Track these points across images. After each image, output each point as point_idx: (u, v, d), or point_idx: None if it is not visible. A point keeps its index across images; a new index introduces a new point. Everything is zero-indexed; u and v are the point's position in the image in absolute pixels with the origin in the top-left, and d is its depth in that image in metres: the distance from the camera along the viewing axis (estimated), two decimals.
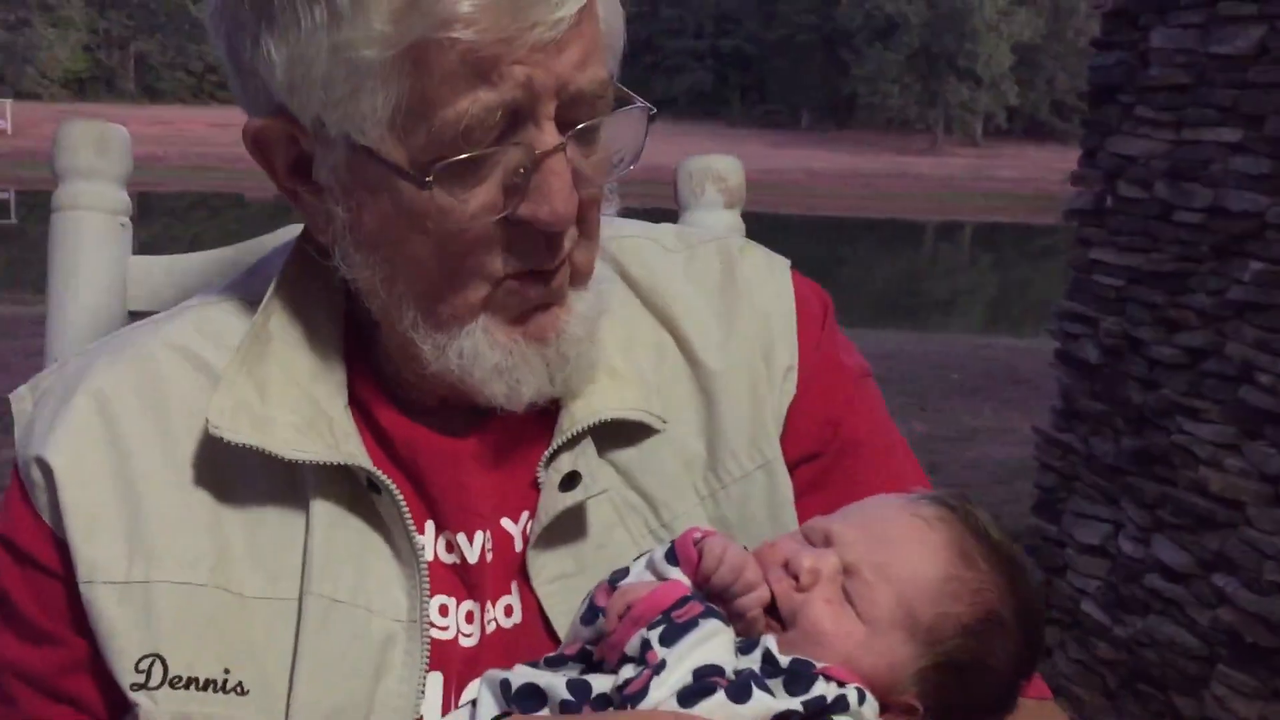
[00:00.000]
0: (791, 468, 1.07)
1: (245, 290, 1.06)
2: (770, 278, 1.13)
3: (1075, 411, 4.11)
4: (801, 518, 1.05)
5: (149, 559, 0.94)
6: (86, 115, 1.38)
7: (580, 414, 1.01)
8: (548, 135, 0.89)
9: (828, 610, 0.95)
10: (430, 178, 0.88)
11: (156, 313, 1.11)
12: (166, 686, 0.92)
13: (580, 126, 0.91)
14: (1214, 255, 3.51)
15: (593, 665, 0.94)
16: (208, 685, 0.93)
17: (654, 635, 0.88)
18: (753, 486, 1.05)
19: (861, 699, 0.91)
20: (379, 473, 0.96)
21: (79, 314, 1.25)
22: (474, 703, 0.94)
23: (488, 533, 1.01)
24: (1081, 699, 4.01)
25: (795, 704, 0.88)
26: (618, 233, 1.11)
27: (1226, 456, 3.43)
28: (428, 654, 0.96)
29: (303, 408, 0.98)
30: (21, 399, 1.03)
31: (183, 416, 0.98)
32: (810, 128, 68.66)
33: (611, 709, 0.88)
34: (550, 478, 1.00)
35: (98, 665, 0.94)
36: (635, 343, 1.07)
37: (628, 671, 0.88)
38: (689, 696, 0.86)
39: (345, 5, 0.84)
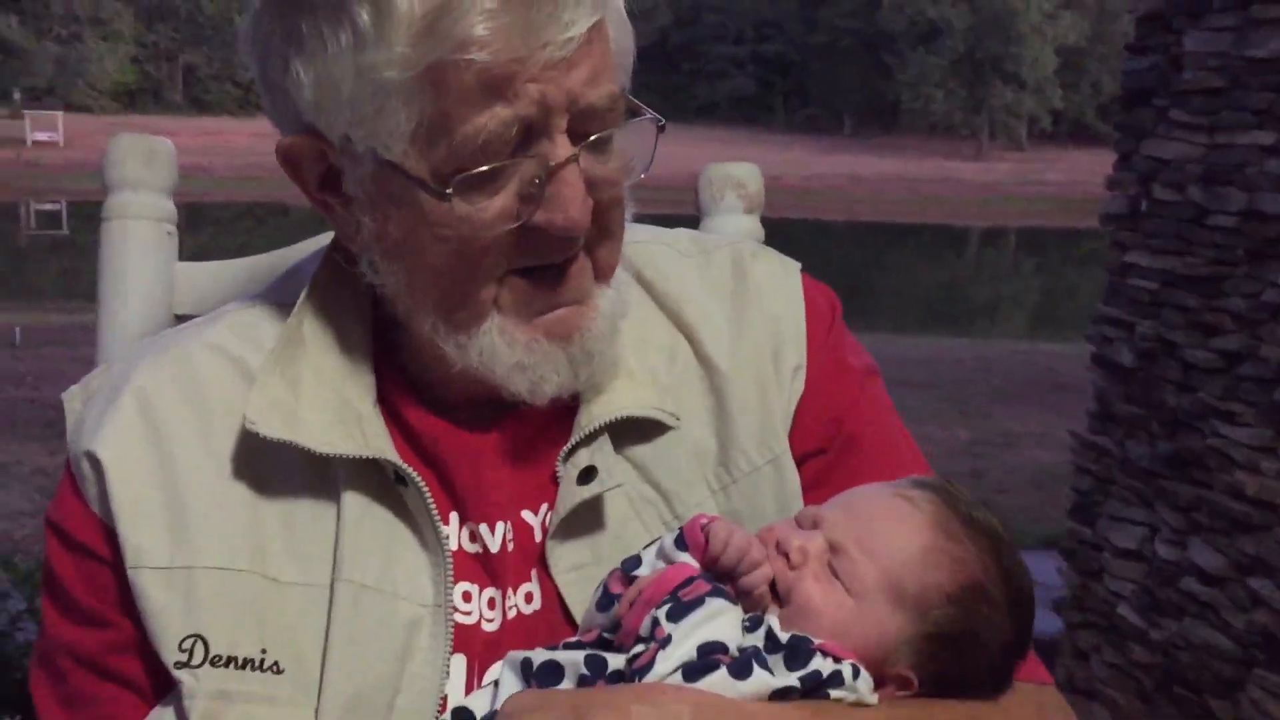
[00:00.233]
0: (799, 462, 1.12)
1: (280, 295, 1.12)
2: (781, 281, 1.18)
3: (1111, 415, 4.11)
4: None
5: (191, 546, 1.00)
6: (135, 127, 1.46)
7: (597, 412, 1.07)
8: (560, 147, 0.95)
9: (816, 587, 0.99)
10: (450, 189, 0.93)
11: (200, 315, 1.18)
12: (208, 665, 0.98)
13: (592, 138, 0.97)
14: (1249, 258, 3.51)
15: (610, 647, 0.99)
16: (246, 664, 0.98)
17: (662, 613, 0.93)
18: (762, 481, 1.10)
19: (856, 674, 0.95)
20: (406, 466, 1.02)
21: (128, 317, 1.32)
22: (496, 683, 0.99)
23: (509, 523, 1.07)
24: (1117, 702, 4.01)
25: (793, 680, 0.92)
26: (633, 237, 1.16)
27: (1262, 459, 3.43)
28: (451, 637, 1.01)
29: (333, 405, 1.04)
30: (73, 398, 1.10)
31: (222, 413, 1.04)
32: (853, 133, 68.37)
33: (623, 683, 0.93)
34: (569, 472, 1.05)
35: (143, 645, 1.00)
36: (649, 343, 1.12)
37: (638, 648, 0.93)
38: (693, 672, 0.90)
39: (368, 30, 0.89)
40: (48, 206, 30.82)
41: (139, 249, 1.33)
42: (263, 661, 0.99)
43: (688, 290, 1.15)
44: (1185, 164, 3.76)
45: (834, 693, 0.94)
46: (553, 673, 0.95)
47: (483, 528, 1.06)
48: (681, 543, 1.00)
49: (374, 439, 1.03)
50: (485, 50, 0.89)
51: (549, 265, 1.00)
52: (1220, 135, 3.62)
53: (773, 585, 1.00)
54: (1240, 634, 3.48)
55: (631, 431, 1.08)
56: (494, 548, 1.06)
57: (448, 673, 1.01)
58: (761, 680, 0.91)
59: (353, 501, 1.02)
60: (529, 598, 1.06)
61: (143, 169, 1.34)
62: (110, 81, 54.59)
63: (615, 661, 0.95)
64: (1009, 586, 1.02)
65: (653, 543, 1.03)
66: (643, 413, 1.08)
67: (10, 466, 7.38)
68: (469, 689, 1.02)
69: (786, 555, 1.00)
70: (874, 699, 0.97)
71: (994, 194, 43.07)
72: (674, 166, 1.48)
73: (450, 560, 1.03)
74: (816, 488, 1.12)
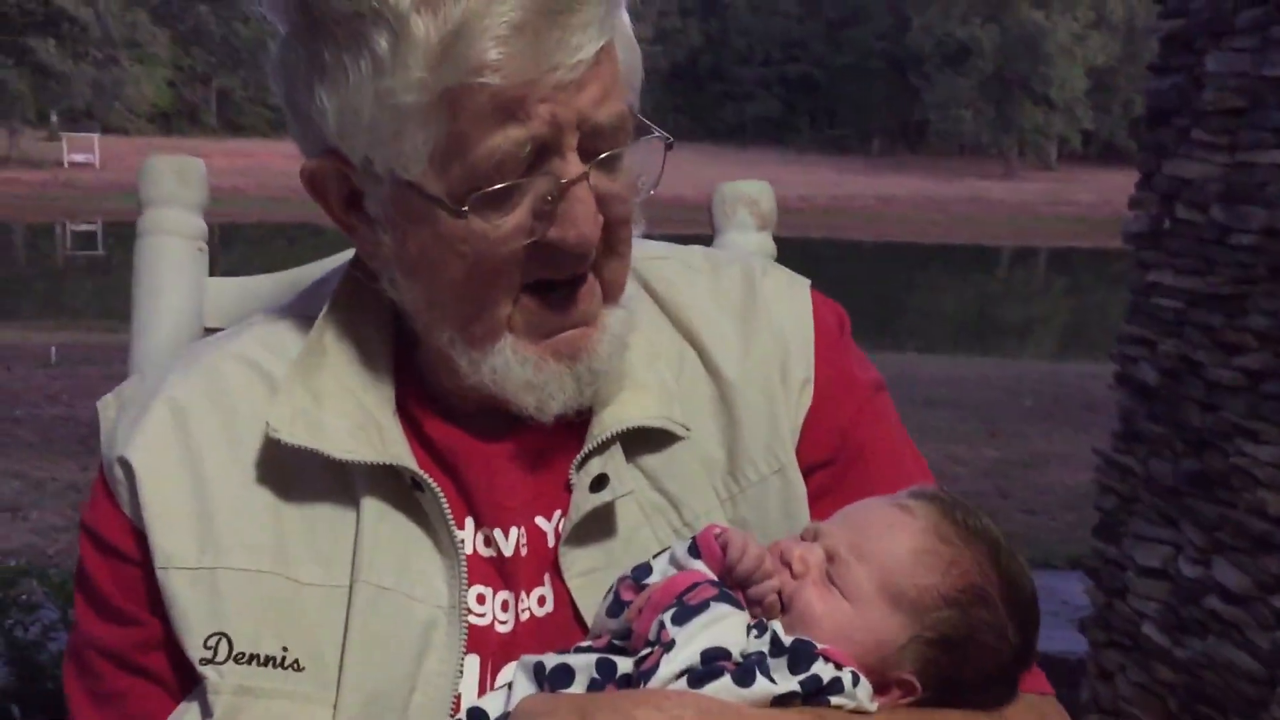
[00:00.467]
0: (806, 474, 1.15)
1: (304, 308, 1.16)
2: (790, 296, 1.21)
3: (1135, 434, 4.10)
4: (814, 520, 1.12)
5: (217, 548, 1.04)
6: (171, 149, 1.50)
7: (609, 421, 1.10)
8: (572, 165, 0.98)
9: (815, 593, 1.02)
10: (466, 207, 0.97)
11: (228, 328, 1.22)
12: (231, 662, 1.02)
13: (602, 156, 1.00)
14: (1270, 277, 3.50)
15: (620, 654, 1.02)
16: (268, 661, 1.02)
17: (667, 616, 0.96)
18: (769, 490, 1.13)
19: (856, 681, 0.98)
20: (422, 473, 1.05)
21: (160, 329, 1.36)
22: (510, 685, 1.03)
23: (522, 528, 1.10)
24: None
25: (794, 684, 0.95)
26: (646, 253, 1.20)
27: None
28: (465, 638, 1.05)
29: (354, 414, 1.08)
30: (107, 406, 1.14)
31: (248, 421, 1.08)
32: (881, 153, 68.29)
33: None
34: (581, 479, 1.09)
35: (171, 643, 1.04)
36: (660, 355, 1.15)
37: (645, 651, 0.96)
38: (697, 679, 0.93)
39: (387, 57, 0.94)
40: (84, 227, 31.22)
41: (171, 264, 1.37)
42: (283, 659, 1.02)
43: (698, 304, 1.19)
44: (1207, 183, 3.76)
45: (834, 699, 0.97)
46: (564, 675, 0.98)
47: (497, 533, 1.10)
48: (695, 551, 1.03)
49: (392, 446, 1.07)
50: (498, 74, 0.93)
51: (560, 285, 1.04)
52: (1241, 154, 3.62)
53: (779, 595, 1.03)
54: (1265, 653, 3.46)
55: (642, 441, 1.12)
56: (508, 552, 1.10)
57: (462, 672, 1.05)
58: (764, 688, 0.94)
59: (371, 506, 1.06)
60: (541, 601, 1.10)
61: (176, 187, 1.39)
62: (146, 104, 55.23)
63: (625, 665, 0.98)
64: (1009, 590, 1.04)
65: (663, 551, 1.06)
66: (653, 423, 1.11)
67: (45, 483, 7.48)
68: (482, 689, 1.06)
69: (789, 566, 1.03)
70: (873, 706, 0.99)
71: (1024, 214, 42.89)
72: (702, 187, 1.51)
73: (465, 564, 1.06)
74: (823, 498, 1.14)
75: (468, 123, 0.95)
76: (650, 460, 1.12)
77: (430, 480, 1.06)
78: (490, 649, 1.07)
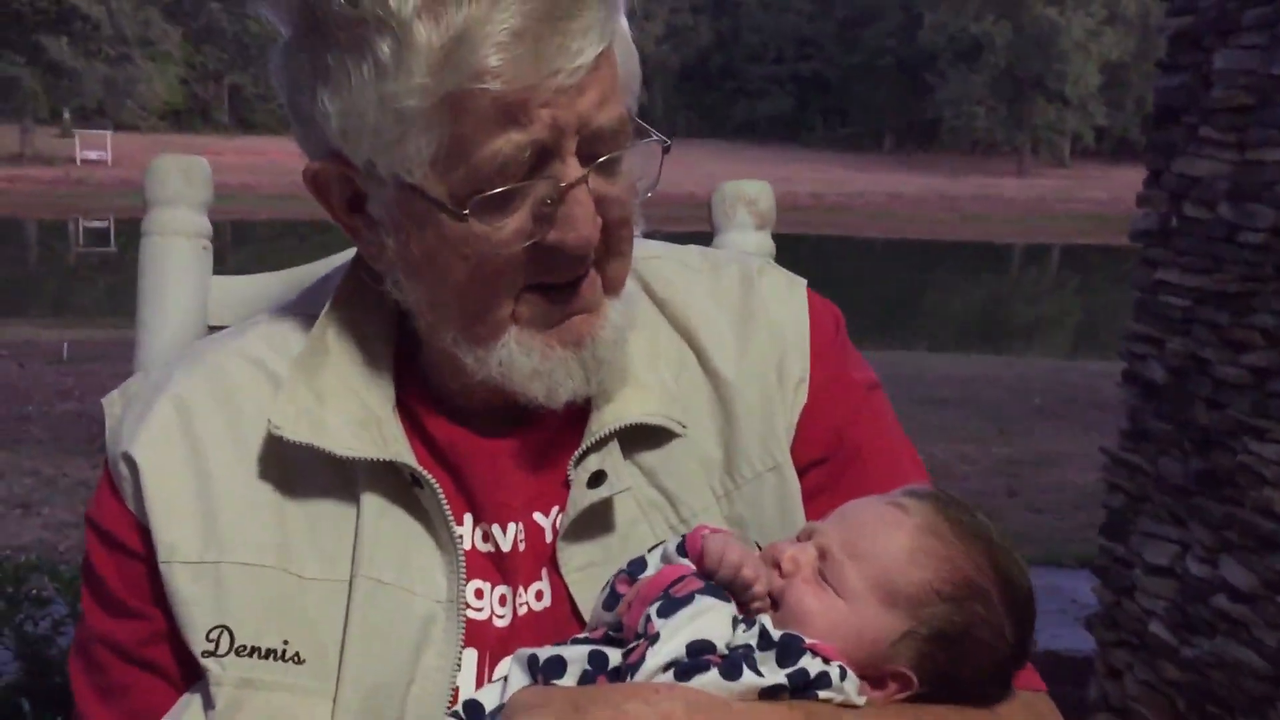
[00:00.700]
0: (802, 471, 1.16)
1: (308, 306, 1.18)
2: (786, 296, 1.22)
3: (1142, 432, 4.10)
4: (810, 518, 1.13)
5: (220, 543, 1.06)
6: (183, 146, 1.52)
7: (608, 418, 1.12)
8: (571, 169, 1.00)
9: (807, 591, 1.03)
10: (468, 210, 0.99)
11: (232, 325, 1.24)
12: (233, 655, 1.03)
13: (601, 160, 1.01)
14: (1278, 275, 3.50)
15: (616, 645, 1.03)
16: (269, 654, 1.04)
17: (653, 609, 0.97)
18: (764, 487, 1.14)
19: (843, 675, 0.99)
20: (421, 469, 1.07)
21: (165, 327, 1.37)
22: (505, 678, 1.04)
23: (520, 524, 1.12)
24: None
25: (782, 677, 0.96)
26: (646, 252, 1.21)
27: None
28: (463, 632, 1.07)
29: (355, 411, 1.09)
30: (112, 403, 1.16)
31: (252, 418, 1.10)
32: (893, 151, 68.17)
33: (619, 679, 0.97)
34: (579, 476, 1.10)
35: (174, 636, 1.06)
36: (658, 354, 1.17)
37: (632, 644, 0.98)
38: (684, 672, 0.94)
39: (390, 61, 0.95)
40: (96, 224, 31.34)
41: (176, 263, 1.39)
42: (284, 652, 1.04)
43: (696, 303, 1.20)
44: (1215, 181, 3.76)
45: (822, 693, 0.97)
46: (557, 667, 0.99)
47: (495, 528, 1.11)
48: (683, 550, 1.04)
49: (392, 443, 1.08)
50: (499, 79, 0.94)
51: (562, 286, 1.05)
52: (1250, 152, 3.62)
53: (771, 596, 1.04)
54: (1272, 652, 3.46)
55: (640, 438, 1.13)
56: (505, 547, 1.11)
57: (459, 665, 1.06)
58: (751, 681, 0.95)
59: (371, 502, 1.08)
60: (539, 595, 1.11)
61: (181, 187, 1.40)
62: (159, 102, 55.41)
63: (616, 657, 0.99)
64: (1004, 586, 1.04)
65: (657, 546, 1.08)
66: (651, 420, 1.12)
67: (56, 479, 7.53)
68: (480, 682, 1.07)
69: (778, 565, 1.04)
70: (861, 700, 1.00)
71: (1036, 211, 42.79)
72: (713, 184, 1.52)
73: (463, 559, 1.08)
74: (818, 497, 1.16)
75: (469, 127, 0.96)
76: (648, 457, 1.14)
77: (429, 477, 1.07)
78: (488, 643, 1.08)
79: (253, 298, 1.39)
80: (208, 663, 1.03)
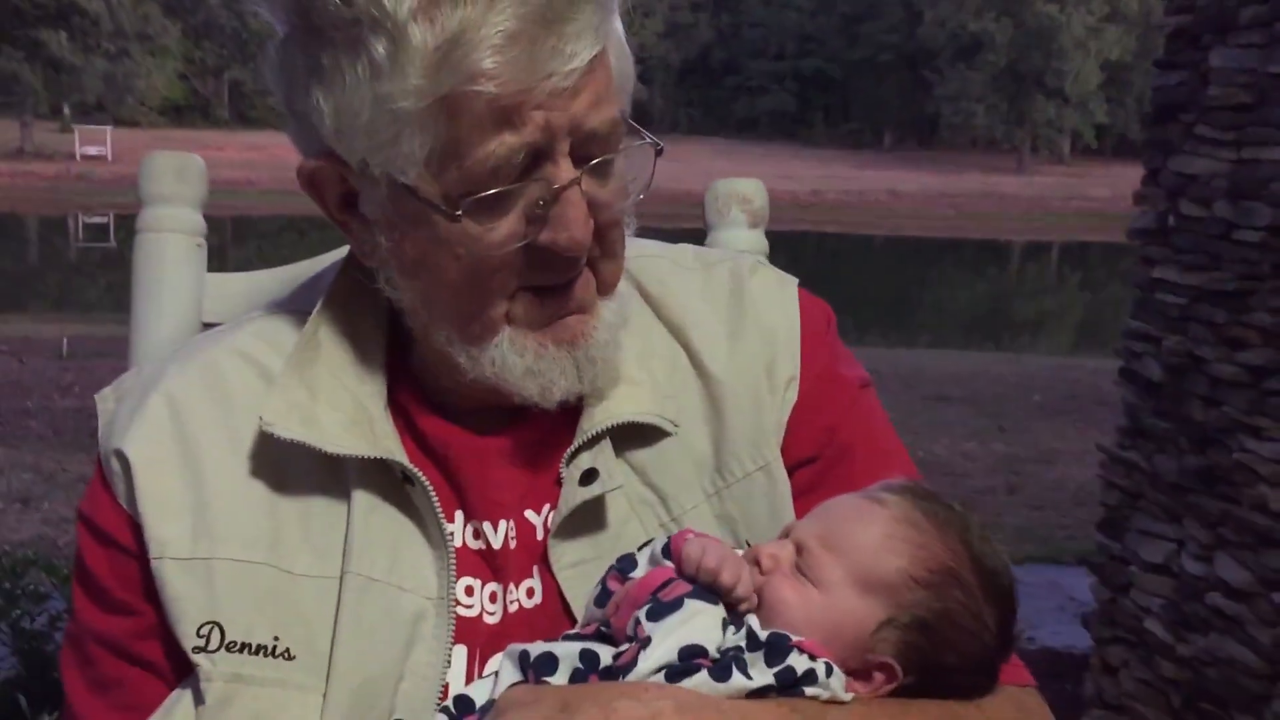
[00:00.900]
0: (792, 470, 1.16)
1: (301, 303, 1.18)
2: (777, 295, 1.23)
3: (1139, 430, 4.11)
4: (800, 516, 1.13)
5: (211, 539, 1.06)
6: (182, 142, 1.52)
7: (600, 417, 1.12)
8: (564, 171, 1.00)
9: (784, 584, 1.03)
10: (461, 211, 0.99)
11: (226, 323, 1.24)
12: (223, 650, 1.04)
13: (594, 162, 1.02)
14: (1275, 273, 3.50)
15: (607, 642, 1.03)
16: (259, 650, 1.04)
17: (642, 613, 0.98)
18: (754, 486, 1.15)
19: (829, 672, 0.99)
20: (412, 466, 1.07)
21: (159, 324, 1.37)
22: (496, 673, 1.04)
23: (511, 522, 1.12)
24: (1147, 718, 4.00)
25: (770, 678, 0.97)
26: (638, 251, 1.21)
27: None
28: (454, 629, 1.07)
29: (347, 407, 1.10)
30: (105, 399, 1.16)
31: (244, 414, 1.10)
32: (893, 148, 68.16)
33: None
34: (571, 474, 1.11)
35: (165, 631, 1.06)
36: (650, 353, 1.17)
37: (623, 646, 0.98)
38: (674, 675, 0.95)
39: (384, 62, 0.95)
40: (96, 219, 31.35)
41: (171, 261, 1.39)
42: (275, 648, 1.04)
43: (687, 302, 1.20)
44: (1212, 179, 3.76)
45: (808, 690, 0.98)
46: (548, 664, 1.00)
47: (486, 525, 1.12)
48: (667, 551, 1.05)
49: (383, 440, 1.09)
50: (494, 82, 0.94)
51: (555, 287, 1.06)
52: (1247, 151, 3.63)
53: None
54: (1267, 649, 3.47)
55: (632, 436, 1.13)
56: (496, 544, 1.12)
57: (449, 662, 1.07)
58: (739, 683, 0.96)
59: (362, 499, 1.08)
60: (530, 593, 1.11)
61: (175, 184, 1.40)
62: (158, 97, 55.38)
63: (607, 656, 0.99)
64: (981, 572, 1.04)
65: (647, 544, 1.08)
66: (643, 418, 1.13)
67: (56, 474, 7.54)
68: (470, 678, 1.08)
69: (758, 564, 1.05)
70: (848, 697, 1.00)
71: (1036, 209, 42.78)
72: (713, 181, 1.53)
73: (454, 556, 1.08)
74: (808, 495, 1.16)
75: (463, 129, 0.96)
76: (639, 455, 1.14)
77: (420, 474, 1.07)
78: (478, 640, 1.09)
79: (247, 295, 1.39)
80: (198, 658, 1.04)
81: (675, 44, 72.86)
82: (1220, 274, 3.71)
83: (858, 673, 1.03)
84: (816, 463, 1.18)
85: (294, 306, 1.19)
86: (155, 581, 1.06)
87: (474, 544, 1.12)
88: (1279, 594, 3.44)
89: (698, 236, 1.49)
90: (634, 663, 0.96)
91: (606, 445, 1.12)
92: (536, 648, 1.01)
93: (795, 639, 1.00)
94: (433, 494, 1.08)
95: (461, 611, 1.09)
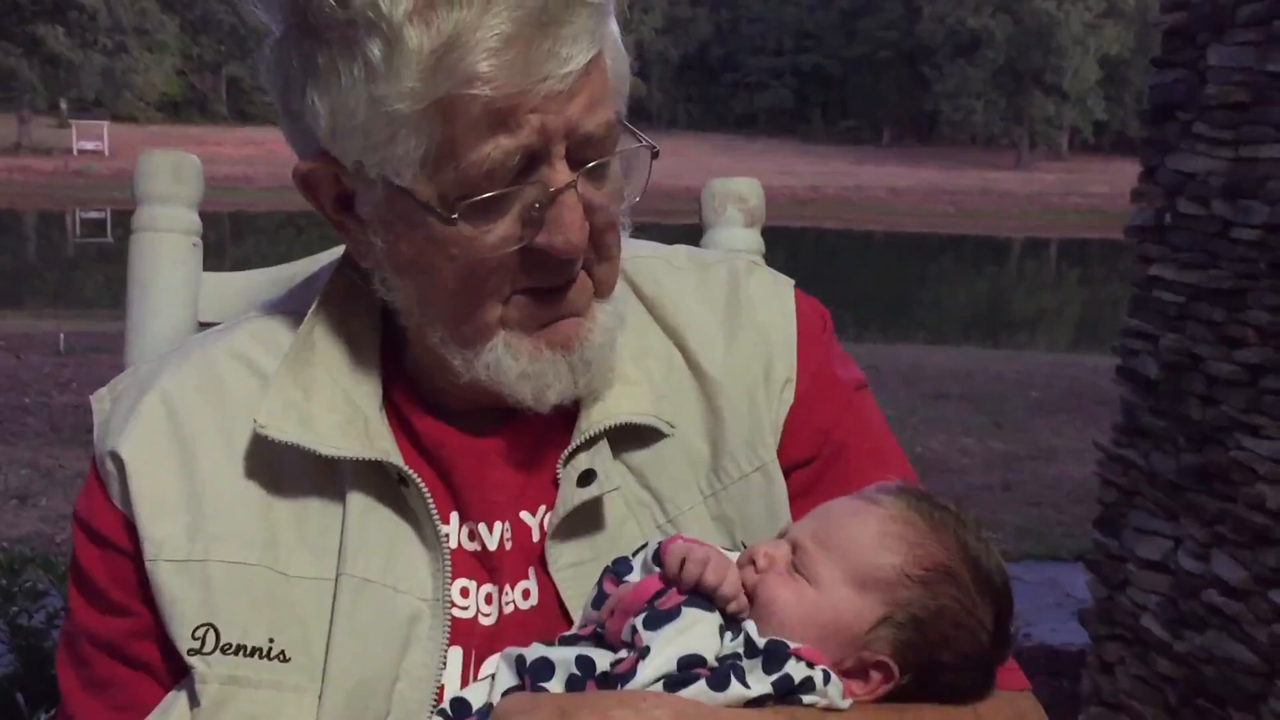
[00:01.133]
0: (788, 471, 1.16)
1: (298, 303, 1.18)
2: (773, 295, 1.22)
3: (1137, 428, 4.11)
4: (796, 518, 1.13)
5: (207, 540, 1.06)
6: (180, 137, 1.52)
7: (597, 417, 1.12)
8: (560, 173, 1.00)
9: (779, 582, 1.03)
10: (456, 214, 0.99)
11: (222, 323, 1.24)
12: (219, 652, 1.04)
13: (590, 165, 1.02)
14: (1272, 272, 3.51)
15: (603, 644, 1.03)
16: (254, 652, 1.04)
17: (639, 621, 0.98)
18: (751, 488, 1.15)
19: (827, 679, 0.99)
20: (407, 468, 1.07)
21: (155, 325, 1.37)
22: (493, 676, 1.05)
23: (506, 523, 1.12)
24: (1143, 715, 4.01)
25: (767, 685, 0.97)
26: (634, 252, 1.21)
27: None
28: (449, 630, 1.07)
29: (342, 407, 1.10)
30: (101, 399, 1.16)
31: (240, 415, 1.10)
32: (892, 144, 68.13)
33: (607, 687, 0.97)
34: (569, 474, 1.10)
35: (160, 633, 1.06)
36: (646, 353, 1.17)
37: (621, 653, 0.98)
38: (673, 684, 0.95)
39: (380, 64, 0.95)
40: (93, 215, 31.33)
41: (166, 260, 1.38)
42: (270, 650, 1.04)
43: (683, 303, 1.20)
44: (1209, 177, 3.76)
45: (806, 698, 0.98)
46: (544, 669, 1.00)
47: (481, 527, 1.12)
48: (657, 558, 1.05)
49: (379, 441, 1.09)
50: (489, 85, 0.94)
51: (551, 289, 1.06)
52: (1244, 149, 3.63)
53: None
54: (1263, 647, 3.47)
55: (629, 437, 1.13)
56: (492, 546, 1.12)
57: (445, 664, 1.07)
58: (738, 692, 0.96)
59: (357, 500, 1.08)
60: (526, 594, 1.11)
61: (171, 184, 1.40)
62: (156, 92, 55.30)
63: (603, 661, 0.99)
64: (976, 571, 1.04)
65: (642, 547, 1.08)
66: (640, 420, 1.13)
67: (53, 470, 7.54)
68: (465, 680, 1.07)
69: (753, 563, 1.05)
70: (845, 704, 1.00)
71: (1035, 205, 42.77)
72: (711, 177, 1.53)
73: (449, 557, 1.08)
74: (804, 497, 1.16)
75: (459, 131, 0.96)
76: (636, 456, 1.14)
77: (415, 475, 1.07)
78: (474, 641, 1.09)
79: (243, 295, 1.39)
80: (193, 660, 1.04)
81: (674, 39, 72.84)
82: (1218, 272, 3.71)
83: (854, 672, 1.03)
84: (813, 464, 1.18)
85: (289, 307, 1.19)
86: (150, 583, 1.05)
87: (469, 545, 1.12)
88: (1276, 592, 3.44)
89: (695, 232, 1.49)
90: (633, 672, 0.96)
91: (604, 446, 1.12)
92: (532, 652, 1.01)
93: (794, 646, 0.99)
94: (428, 495, 1.08)
95: (457, 613, 1.09)
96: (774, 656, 0.98)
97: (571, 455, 1.11)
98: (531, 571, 1.12)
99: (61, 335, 11.92)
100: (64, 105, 51.48)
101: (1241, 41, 3.61)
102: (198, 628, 1.04)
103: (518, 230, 1.01)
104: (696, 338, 1.18)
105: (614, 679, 0.97)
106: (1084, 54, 59.96)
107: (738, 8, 75.51)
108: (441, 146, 0.97)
